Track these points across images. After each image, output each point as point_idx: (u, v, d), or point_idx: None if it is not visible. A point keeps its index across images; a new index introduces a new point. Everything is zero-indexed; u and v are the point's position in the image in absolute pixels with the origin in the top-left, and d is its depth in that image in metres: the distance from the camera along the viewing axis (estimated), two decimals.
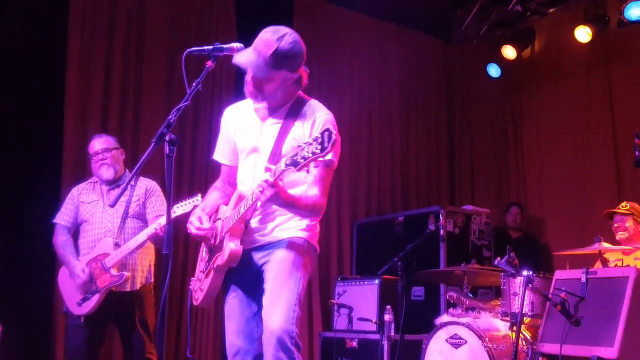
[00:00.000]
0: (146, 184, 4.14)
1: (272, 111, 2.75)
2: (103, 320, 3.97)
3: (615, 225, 4.62)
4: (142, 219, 4.06)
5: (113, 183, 4.09)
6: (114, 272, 3.85)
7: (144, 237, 3.85)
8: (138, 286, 3.98)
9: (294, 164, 2.32)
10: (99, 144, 4.12)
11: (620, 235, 4.56)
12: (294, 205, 2.57)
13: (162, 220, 3.82)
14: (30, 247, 4.93)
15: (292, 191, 2.60)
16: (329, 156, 2.32)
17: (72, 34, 5.38)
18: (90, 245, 3.98)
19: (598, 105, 6.45)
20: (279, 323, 2.53)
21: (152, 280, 4.11)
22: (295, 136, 2.64)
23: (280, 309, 2.55)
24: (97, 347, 4.03)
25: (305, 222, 2.71)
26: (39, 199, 5.02)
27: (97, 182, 4.14)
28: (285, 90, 2.68)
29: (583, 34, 6.28)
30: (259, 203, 2.55)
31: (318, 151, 2.26)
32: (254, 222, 2.70)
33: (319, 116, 2.68)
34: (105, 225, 3.98)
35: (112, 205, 2.88)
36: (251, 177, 2.72)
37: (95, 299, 3.84)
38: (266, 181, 2.40)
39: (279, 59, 2.56)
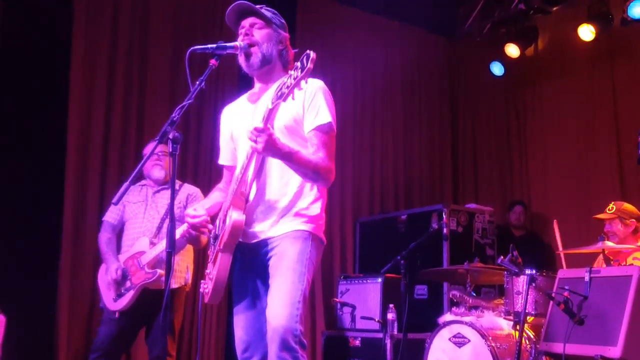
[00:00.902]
0: (189, 189, 4.29)
1: (263, 91, 2.78)
2: (138, 318, 4.06)
3: (606, 231, 4.60)
4: (182, 222, 4.12)
5: (160, 185, 4.25)
6: (148, 269, 3.95)
7: (177, 236, 3.89)
8: (174, 286, 4.07)
9: (280, 96, 2.33)
10: (154, 147, 4.25)
11: (612, 240, 4.54)
12: (293, 158, 2.51)
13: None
14: (32, 248, 4.94)
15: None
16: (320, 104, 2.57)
17: (76, 33, 5.38)
18: (130, 243, 4.12)
19: (601, 104, 6.43)
20: (281, 321, 2.50)
21: (189, 281, 4.23)
22: (287, 105, 2.61)
23: (283, 307, 2.52)
24: (125, 344, 4.15)
25: (309, 213, 2.68)
26: (41, 200, 5.04)
27: (145, 184, 4.30)
28: (270, 50, 2.73)
29: (586, 32, 6.26)
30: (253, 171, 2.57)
31: (299, 73, 2.26)
32: (256, 214, 2.68)
33: (310, 83, 2.67)
34: (145, 225, 4.12)
35: (116, 203, 2.88)
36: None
37: (129, 295, 3.95)
38: (256, 128, 2.37)
39: (267, 10, 2.79)
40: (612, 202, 4.71)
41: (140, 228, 4.13)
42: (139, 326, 4.14)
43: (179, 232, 3.89)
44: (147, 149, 4.34)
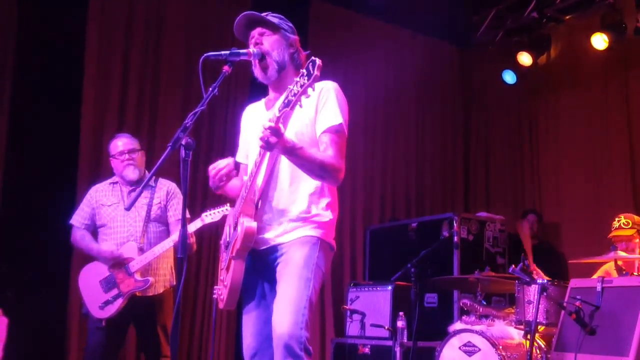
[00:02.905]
0: (167, 185, 4.08)
1: (277, 98, 2.78)
2: (124, 324, 3.96)
3: (625, 247, 4.53)
4: (164, 222, 4.02)
5: (135, 184, 4.01)
6: (138, 277, 3.83)
7: (170, 244, 3.83)
8: (161, 290, 3.95)
9: (287, 104, 2.34)
10: (123, 144, 4.05)
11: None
12: (297, 153, 2.50)
13: (190, 228, 3.80)
14: (44, 255, 4.97)
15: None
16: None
17: (90, 38, 5.43)
18: (114, 248, 3.92)
19: (615, 113, 6.41)
20: (286, 328, 2.48)
21: (174, 282, 4.06)
22: (300, 112, 2.62)
23: (289, 313, 2.50)
24: (115, 350, 4.02)
25: (318, 220, 2.67)
26: (54, 206, 5.06)
27: (116, 182, 4.07)
28: (282, 56, 2.73)
29: (600, 41, 6.25)
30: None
31: (306, 81, 2.28)
32: (266, 221, 2.68)
33: (322, 86, 2.70)
34: (127, 229, 3.93)
35: (128, 209, 2.87)
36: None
37: (118, 303, 3.81)
38: (268, 127, 2.36)
39: (274, 17, 2.79)
40: (623, 216, 4.62)
41: (123, 232, 3.93)
42: (125, 331, 4.04)
43: (172, 239, 3.81)
44: (114, 147, 4.07)
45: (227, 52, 2.56)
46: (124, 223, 3.95)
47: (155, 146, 5.56)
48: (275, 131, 2.36)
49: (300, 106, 2.35)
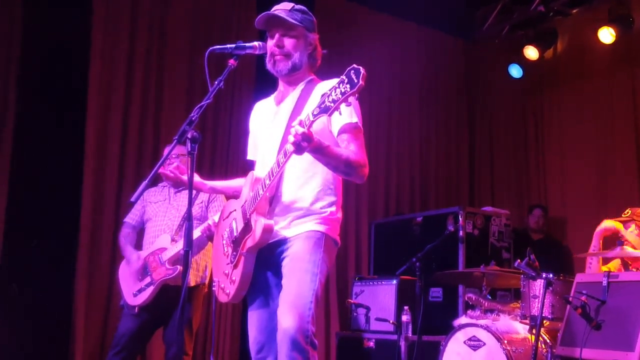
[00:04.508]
0: None
1: (288, 92, 2.80)
2: (156, 315, 4.07)
3: (620, 234, 4.52)
4: (203, 221, 4.12)
5: (180, 186, 4.20)
6: (168, 265, 3.98)
7: (198, 233, 3.92)
8: (192, 284, 4.09)
9: (325, 110, 2.29)
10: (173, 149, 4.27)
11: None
12: (324, 151, 2.49)
13: (216, 217, 3.90)
14: (50, 248, 4.99)
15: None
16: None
17: (95, 32, 5.42)
18: (151, 241, 4.15)
19: (621, 107, 6.38)
20: (293, 322, 2.49)
21: (207, 281, 4.23)
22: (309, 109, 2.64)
23: (295, 307, 2.51)
24: (144, 339, 4.18)
25: (324, 215, 2.68)
26: (59, 199, 5.07)
27: (166, 185, 4.34)
28: (301, 58, 2.74)
29: (606, 34, 6.21)
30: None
31: (348, 89, 2.22)
32: (272, 215, 2.68)
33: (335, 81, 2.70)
34: (166, 223, 4.16)
35: (134, 201, 2.89)
36: (261, 160, 2.77)
37: (150, 291, 3.97)
38: (301, 134, 2.33)
39: (297, 12, 2.78)
40: (629, 208, 4.65)
41: (161, 226, 4.16)
42: (157, 323, 4.15)
43: (199, 229, 3.92)
44: (166, 150, 4.36)
45: (233, 45, 2.56)
46: (164, 218, 4.19)
47: (160, 140, 5.55)
48: (307, 137, 2.35)
49: (340, 113, 2.33)
